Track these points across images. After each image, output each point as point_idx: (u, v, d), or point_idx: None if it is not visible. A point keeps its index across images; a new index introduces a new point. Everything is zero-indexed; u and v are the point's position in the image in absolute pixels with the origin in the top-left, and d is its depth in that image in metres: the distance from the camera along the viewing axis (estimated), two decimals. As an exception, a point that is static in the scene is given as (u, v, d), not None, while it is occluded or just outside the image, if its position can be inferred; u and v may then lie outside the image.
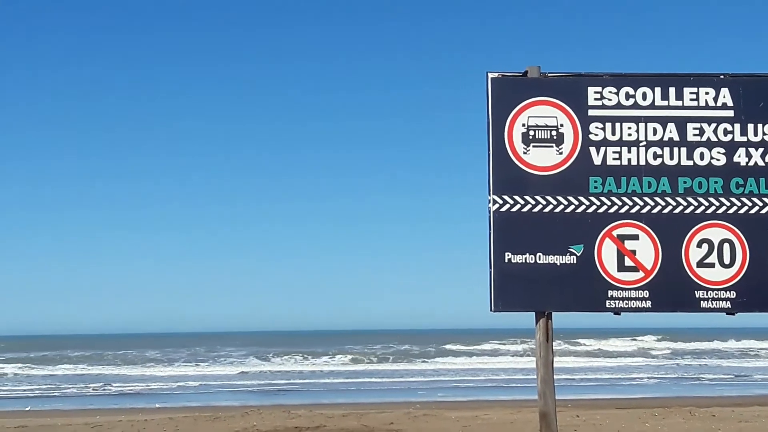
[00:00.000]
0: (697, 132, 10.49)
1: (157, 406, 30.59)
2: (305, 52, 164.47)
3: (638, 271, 10.29)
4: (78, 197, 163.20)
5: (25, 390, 41.96)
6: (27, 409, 29.97)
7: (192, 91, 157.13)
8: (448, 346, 77.96)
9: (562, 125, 10.47)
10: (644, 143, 10.48)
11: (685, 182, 10.40)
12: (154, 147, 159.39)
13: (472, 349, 76.83)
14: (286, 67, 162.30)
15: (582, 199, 10.38)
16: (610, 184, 10.39)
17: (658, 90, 10.53)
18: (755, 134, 10.48)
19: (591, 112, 10.51)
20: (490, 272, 10.30)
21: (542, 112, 10.49)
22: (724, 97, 10.50)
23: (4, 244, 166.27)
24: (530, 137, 10.46)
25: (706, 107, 10.50)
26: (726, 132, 10.49)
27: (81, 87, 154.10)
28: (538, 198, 10.40)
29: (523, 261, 10.29)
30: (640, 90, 10.54)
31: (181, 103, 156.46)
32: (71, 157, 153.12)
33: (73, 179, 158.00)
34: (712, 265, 10.29)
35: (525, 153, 10.44)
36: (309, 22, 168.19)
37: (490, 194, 10.44)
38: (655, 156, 10.45)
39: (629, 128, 10.50)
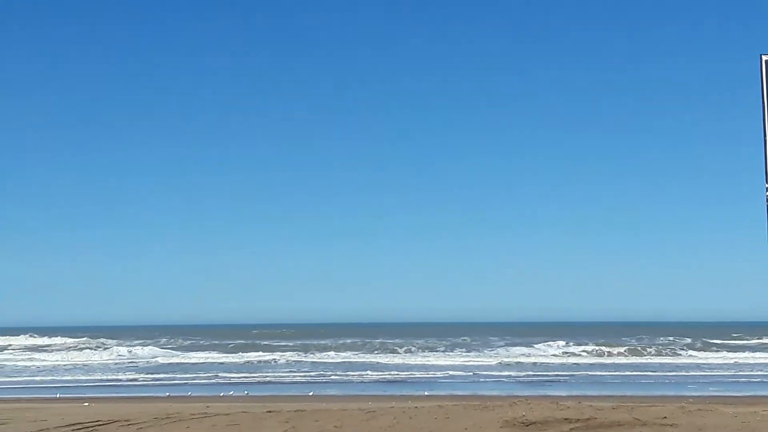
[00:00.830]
0: None
1: (426, 393, 31.32)
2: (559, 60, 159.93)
3: None
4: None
5: (296, 376, 44.23)
6: (310, 393, 31.51)
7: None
8: (715, 340, 74.81)
9: None
10: None
11: None
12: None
13: (744, 343, 73.41)
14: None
15: None
16: None
17: None
18: None
19: None
20: (776, 262, 9.79)
21: (829, 92, 9.84)
22: None
23: (296, 239, 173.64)
24: (814, 119, 9.85)
25: None
26: None
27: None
28: (826, 183, 9.77)
29: (812, 249, 9.70)
30: None
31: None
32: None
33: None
34: None
35: (808, 136, 9.84)
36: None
37: (766, 182, 9.92)
38: None
39: None
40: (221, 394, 31.60)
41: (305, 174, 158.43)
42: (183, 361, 58.65)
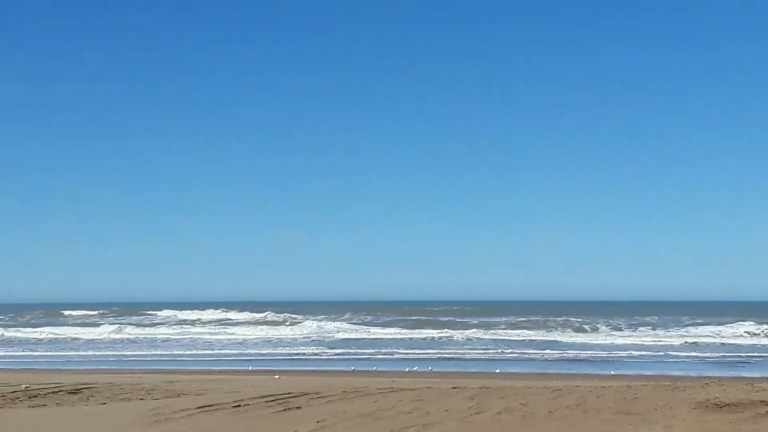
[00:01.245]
0: None
1: (612, 373, 30.74)
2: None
3: None
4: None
5: (477, 353, 44.23)
6: (497, 371, 31.48)
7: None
8: None
9: None
10: None
11: None
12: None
13: None
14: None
15: None
16: None
17: None
18: None
19: None
20: None
21: None
22: None
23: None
24: None
25: None
26: None
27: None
28: None
29: None
30: None
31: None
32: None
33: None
34: None
35: None
36: None
37: None
38: None
39: None
40: (406, 370, 31.99)
41: (487, 154, 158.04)
42: (365, 336, 59.76)
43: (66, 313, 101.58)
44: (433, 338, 56.01)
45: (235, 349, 48.66)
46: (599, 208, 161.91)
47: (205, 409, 16.76)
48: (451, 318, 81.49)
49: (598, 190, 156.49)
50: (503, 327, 67.61)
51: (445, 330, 63.09)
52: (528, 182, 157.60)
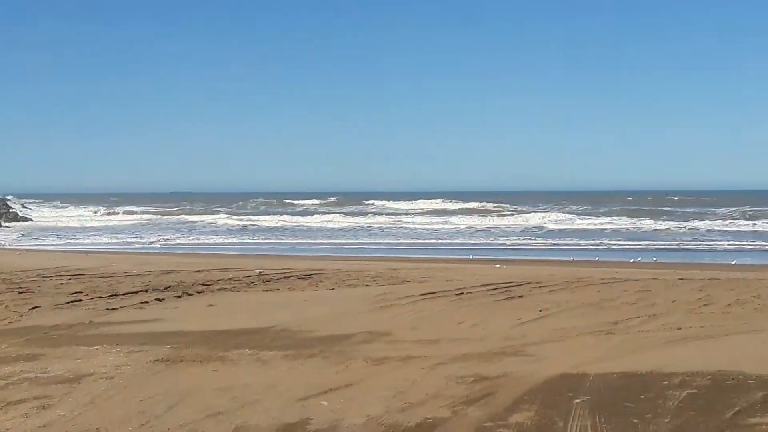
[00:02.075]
0: None
1: None
2: None
3: None
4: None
5: (700, 243, 42.65)
6: (733, 263, 30.40)
7: None
8: None
9: None
10: None
11: None
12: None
13: None
14: None
15: None
16: None
17: None
18: None
19: None
20: None
21: None
22: None
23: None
24: None
25: None
26: None
27: None
28: None
29: None
30: None
31: None
32: None
33: None
34: None
35: None
36: None
37: None
38: None
39: None
40: (630, 260, 31.33)
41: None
42: (585, 227, 59.06)
43: (287, 201, 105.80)
44: (656, 229, 54.66)
45: (454, 239, 49.11)
46: None
47: (429, 296, 17.09)
48: (674, 208, 79.26)
49: None
50: (731, 217, 65.21)
51: (669, 220, 61.54)
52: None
